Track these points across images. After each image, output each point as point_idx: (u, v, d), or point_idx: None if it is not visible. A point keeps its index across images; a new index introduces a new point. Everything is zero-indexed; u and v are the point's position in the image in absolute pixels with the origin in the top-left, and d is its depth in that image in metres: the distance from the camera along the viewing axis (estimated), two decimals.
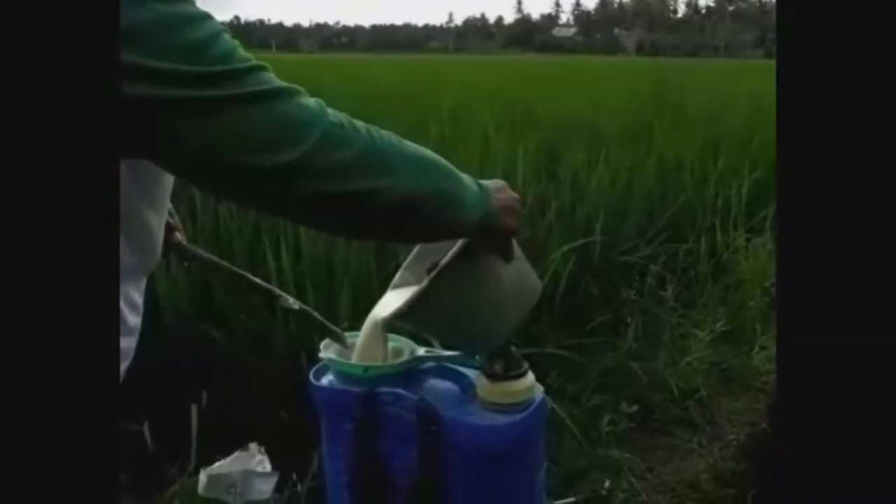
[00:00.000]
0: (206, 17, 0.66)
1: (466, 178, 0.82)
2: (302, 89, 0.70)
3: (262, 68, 0.68)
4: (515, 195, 0.90)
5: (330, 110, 0.71)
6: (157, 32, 0.62)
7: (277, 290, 1.14)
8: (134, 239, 0.79)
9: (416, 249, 1.07)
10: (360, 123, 0.72)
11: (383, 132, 0.74)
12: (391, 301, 1.02)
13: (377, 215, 0.74)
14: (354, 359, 1.03)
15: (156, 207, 0.83)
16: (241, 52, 0.67)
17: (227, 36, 0.67)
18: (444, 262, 0.91)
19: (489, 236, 0.87)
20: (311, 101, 0.70)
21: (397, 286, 1.06)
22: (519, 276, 0.97)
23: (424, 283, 0.93)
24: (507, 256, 0.93)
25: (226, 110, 0.64)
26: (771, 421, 2.31)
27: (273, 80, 0.68)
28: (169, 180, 0.84)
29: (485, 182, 0.86)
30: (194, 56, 0.63)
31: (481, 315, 0.96)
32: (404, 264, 1.08)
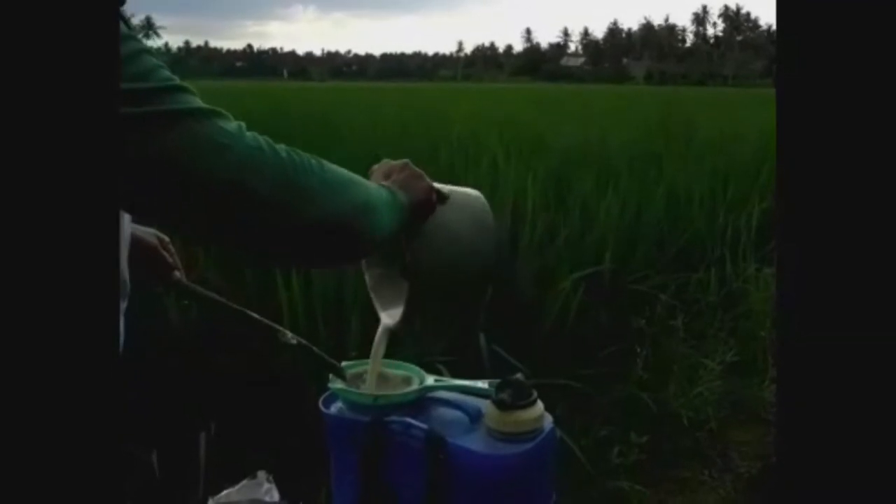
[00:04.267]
0: (129, 37, 0.66)
1: (374, 189, 0.83)
2: (224, 112, 0.69)
3: (182, 89, 0.67)
4: (398, 164, 0.92)
5: (250, 133, 0.70)
6: None
7: (277, 326, 1.14)
8: None
9: None
10: (281, 147, 0.72)
11: (304, 155, 0.74)
12: (385, 305, 1.04)
13: (299, 237, 0.74)
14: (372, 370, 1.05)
15: None
16: (163, 72, 0.67)
17: (148, 56, 0.67)
18: (408, 257, 0.94)
19: (415, 217, 0.89)
20: (230, 124, 0.69)
21: (376, 288, 1.07)
22: (461, 204, 0.99)
23: (407, 287, 0.96)
24: (442, 199, 0.95)
25: (143, 128, 0.63)
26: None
27: (193, 101, 0.67)
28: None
29: (380, 185, 0.86)
30: None
31: (465, 261, 0.98)
32: (364, 266, 1.08)
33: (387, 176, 0.90)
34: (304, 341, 1.12)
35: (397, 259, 0.97)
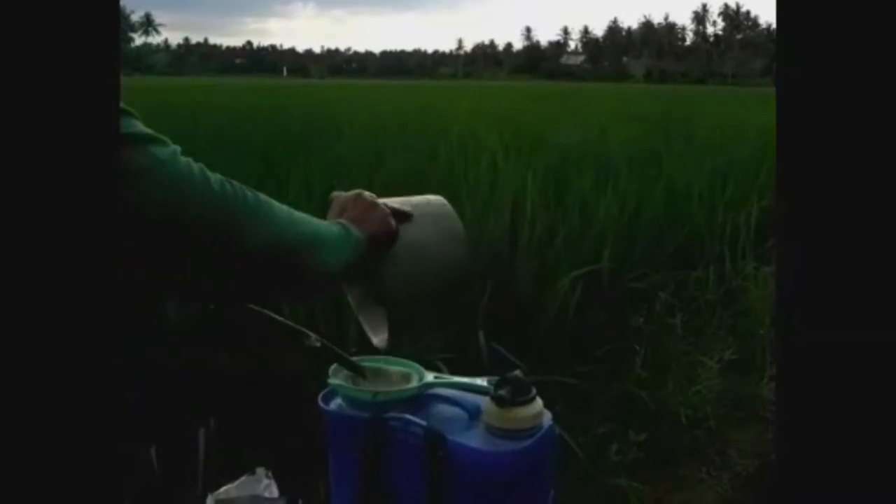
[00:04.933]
0: None
1: (324, 225, 0.83)
2: (161, 137, 0.69)
3: (123, 112, 0.66)
4: (350, 196, 0.92)
5: (184, 159, 0.70)
6: None
7: (302, 329, 1.15)
8: None
9: None
10: (215, 177, 0.72)
11: (239, 186, 0.74)
12: (372, 326, 1.05)
13: (240, 266, 0.74)
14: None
15: None
16: None
17: None
18: (379, 285, 0.94)
19: (377, 247, 0.89)
20: (164, 150, 0.68)
21: (360, 310, 1.08)
22: (424, 217, 0.98)
23: (385, 312, 0.97)
24: (404, 218, 0.94)
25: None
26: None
27: (132, 125, 0.67)
28: None
29: (333, 222, 0.87)
30: None
31: (439, 274, 0.98)
32: (345, 289, 1.09)
33: (342, 210, 0.91)
34: (327, 342, 1.13)
35: (373, 286, 0.98)
